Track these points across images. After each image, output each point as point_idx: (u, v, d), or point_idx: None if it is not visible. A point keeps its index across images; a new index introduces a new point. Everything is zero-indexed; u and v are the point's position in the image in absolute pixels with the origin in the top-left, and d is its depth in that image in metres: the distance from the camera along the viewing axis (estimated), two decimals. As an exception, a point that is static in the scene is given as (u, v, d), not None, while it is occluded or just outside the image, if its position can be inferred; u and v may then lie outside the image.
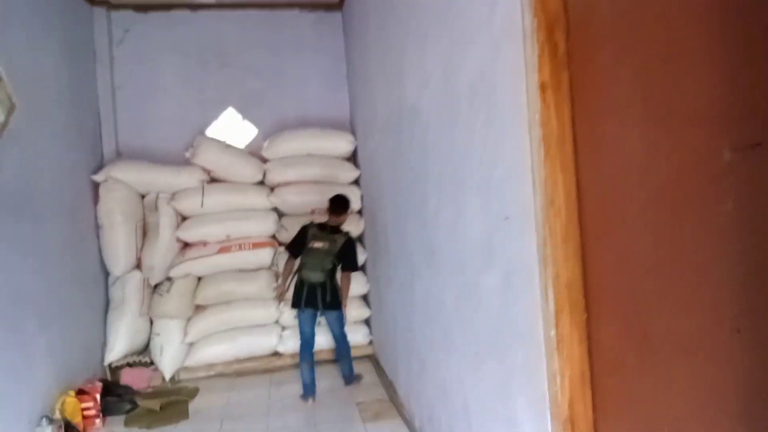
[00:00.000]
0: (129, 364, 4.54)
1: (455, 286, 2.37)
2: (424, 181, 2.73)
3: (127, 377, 4.45)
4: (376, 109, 3.94)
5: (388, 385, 4.10)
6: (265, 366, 4.74)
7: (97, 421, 3.75)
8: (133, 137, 5.07)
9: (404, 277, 3.33)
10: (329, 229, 4.14)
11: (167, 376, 4.55)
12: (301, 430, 3.58)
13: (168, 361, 4.56)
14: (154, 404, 3.95)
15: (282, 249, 4.85)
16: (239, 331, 4.74)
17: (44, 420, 3.33)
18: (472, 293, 2.16)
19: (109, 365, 4.51)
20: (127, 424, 3.79)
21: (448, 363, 2.56)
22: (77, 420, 3.62)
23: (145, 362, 4.57)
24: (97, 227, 4.55)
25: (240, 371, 4.70)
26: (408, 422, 3.46)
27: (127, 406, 4.00)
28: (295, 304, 4.06)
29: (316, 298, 4.01)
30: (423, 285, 2.92)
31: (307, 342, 4.11)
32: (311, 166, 4.91)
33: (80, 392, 3.75)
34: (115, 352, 4.46)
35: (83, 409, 3.70)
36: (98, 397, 3.78)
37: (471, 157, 2.09)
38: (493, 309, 1.97)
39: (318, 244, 4.06)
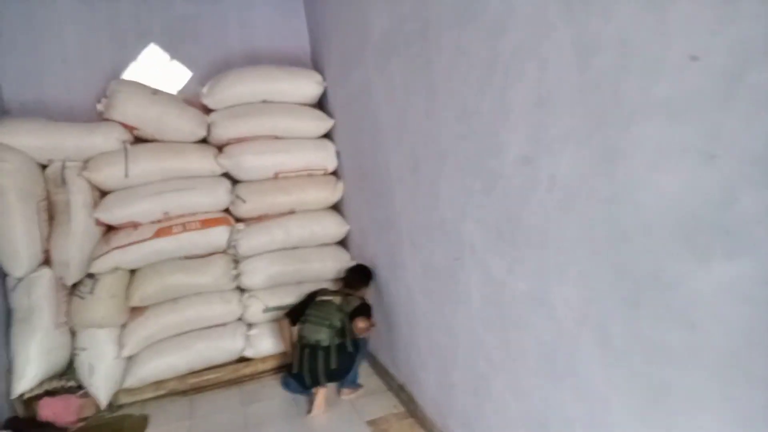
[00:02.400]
0: (48, 393, 3.40)
1: (591, 279, 1.44)
2: (501, 114, 1.75)
3: (48, 410, 3.31)
4: (365, 29, 2.86)
5: (398, 391, 3.21)
6: (231, 376, 3.73)
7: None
8: (23, 88, 3.74)
9: (438, 260, 2.38)
10: (344, 292, 3.38)
11: (103, 403, 3.46)
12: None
13: (101, 383, 3.45)
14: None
15: (240, 225, 3.77)
16: (193, 335, 3.69)
17: None
18: (658, 294, 1.24)
19: (20, 397, 3.36)
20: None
21: (558, 397, 1.67)
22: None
23: (71, 387, 3.45)
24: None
25: (199, 386, 3.67)
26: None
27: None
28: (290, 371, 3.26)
29: (317, 366, 3.15)
30: (485, 274, 1.98)
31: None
32: (269, 116, 3.78)
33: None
34: (26, 380, 3.30)
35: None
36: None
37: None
38: (729, 326, 1.06)
39: (328, 297, 3.29)
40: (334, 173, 3.97)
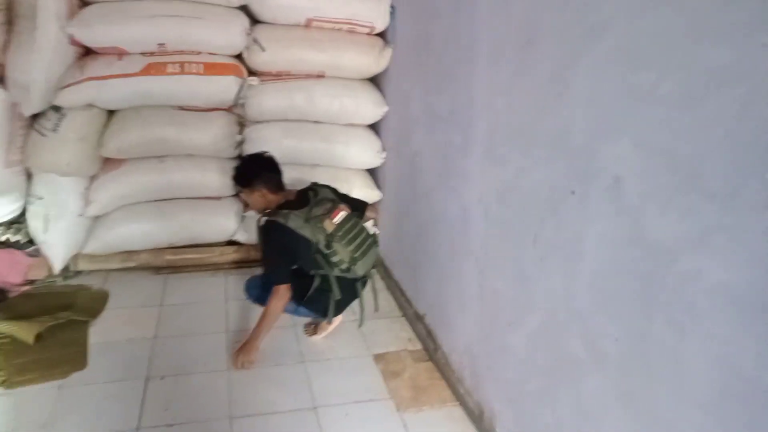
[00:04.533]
0: (-9, 243, 2.77)
1: None
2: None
3: (-12, 264, 2.71)
4: None
5: (414, 320, 2.63)
6: (216, 259, 3.10)
7: None
8: None
9: (536, 185, 1.65)
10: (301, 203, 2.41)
11: (56, 267, 2.84)
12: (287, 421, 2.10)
13: (58, 241, 2.81)
14: (25, 332, 2.29)
15: (254, 80, 2.95)
16: (179, 204, 3.01)
17: None
18: None
19: (-45, 243, 2.73)
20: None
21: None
22: None
23: (18, 242, 2.81)
24: None
25: (176, 265, 3.05)
26: (470, 410, 2.07)
27: (-21, 328, 2.33)
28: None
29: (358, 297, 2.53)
30: (627, 221, 1.27)
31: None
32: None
33: None
34: (-37, 223, 2.66)
35: None
36: None
37: None
38: None
39: (339, 219, 2.37)
40: (382, 35, 3.09)
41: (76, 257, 2.92)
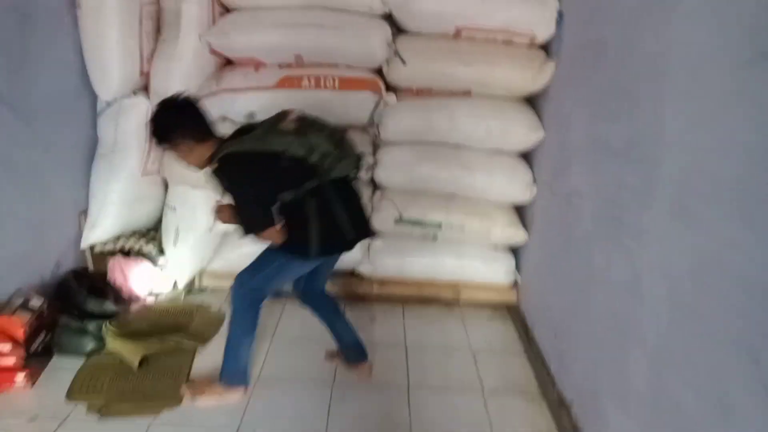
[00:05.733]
0: (123, 252, 2.78)
1: None
2: None
3: (117, 273, 2.70)
4: None
5: (558, 406, 2.08)
6: (346, 290, 2.82)
7: (19, 377, 2.06)
8: None
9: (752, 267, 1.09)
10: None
11: (181, 281, 2.78)
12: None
13: (185, 255, 2.74)
14: (132, 355, 2.19)
15: (392, 97, 2.65)
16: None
17: None
18: None
19: (92, 249, 2.77)
20: (70, 395, 2.06)
21: None
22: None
23: (149, 253, 2.78)
24: (73, 5, 2.49)
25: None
26: None
27: (90, 344, 2.28)
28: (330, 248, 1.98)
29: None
30: None
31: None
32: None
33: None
34: (100, 230, 2.68)
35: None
36: (23, 333, 2.05)
37: None
38: None
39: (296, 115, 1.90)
40: (544, 46, 2.60)
41: (201, 273, 2.84)
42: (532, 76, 2.54)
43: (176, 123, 1.83)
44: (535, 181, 2.59)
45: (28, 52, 2.29)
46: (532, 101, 2.67)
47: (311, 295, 2.21)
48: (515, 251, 2.81)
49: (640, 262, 1.55)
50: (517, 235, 2.65)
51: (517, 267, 2.76)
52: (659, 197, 1.47)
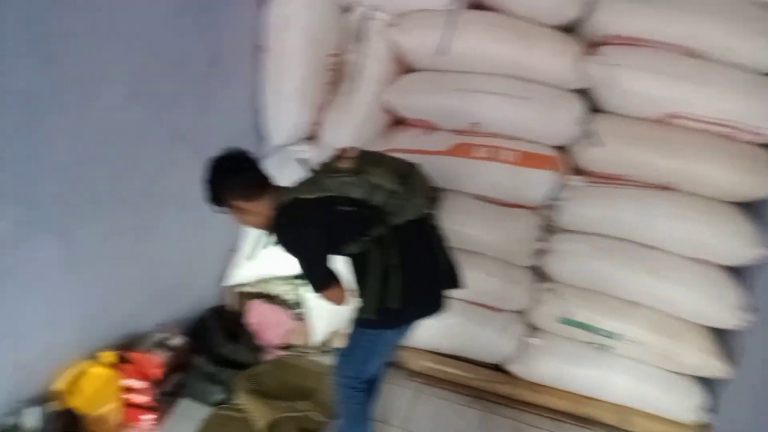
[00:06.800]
0: (264, 296, 2.71)
1: None
2: None
3: (255, 317, 2.64)
4: None
5: None
6: (479, 384, 2.50)
7: (146, 416, 1.99)
8: None
9: None
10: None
11: (315, 337, 2.65)
12: None
13: (322, 310, 2.61)
14: (260, 416, 2.06)
15: (578, 179, 2.36)
16: (465, 311, 2.50)
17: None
18: None
19: (233, 288, 2.74)
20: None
21: None
22: (100, 409, 1.89)
23: (288, 301, 2.69)
24: (257, 48, 2.50)
25: (432, 374, 2.56)
26: None
27: (219, 395, 2.20)
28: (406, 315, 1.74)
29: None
30: None
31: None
32: (690, 13, 2.12)
33: (123, 359, 2.00)
34: (245, 271, 2.64)
35: (126, 391, 1.96)
36: (160, 373, 2.01)
37: None
38: None
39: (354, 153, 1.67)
40: (770, 145, 2.17)
41: (335, 333, 2.69)
42: (752, 179, 2.11)
43: (222, 182, 1.63)
44: (747, 307, 2.12)
45: (214, 93, 2.32)
46: (754, 209, 2.21)
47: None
48: (709, 385, 2.31)
49: None
50: (712, 366, 2.18)
51: (712, 406, 2.26)
52: None
